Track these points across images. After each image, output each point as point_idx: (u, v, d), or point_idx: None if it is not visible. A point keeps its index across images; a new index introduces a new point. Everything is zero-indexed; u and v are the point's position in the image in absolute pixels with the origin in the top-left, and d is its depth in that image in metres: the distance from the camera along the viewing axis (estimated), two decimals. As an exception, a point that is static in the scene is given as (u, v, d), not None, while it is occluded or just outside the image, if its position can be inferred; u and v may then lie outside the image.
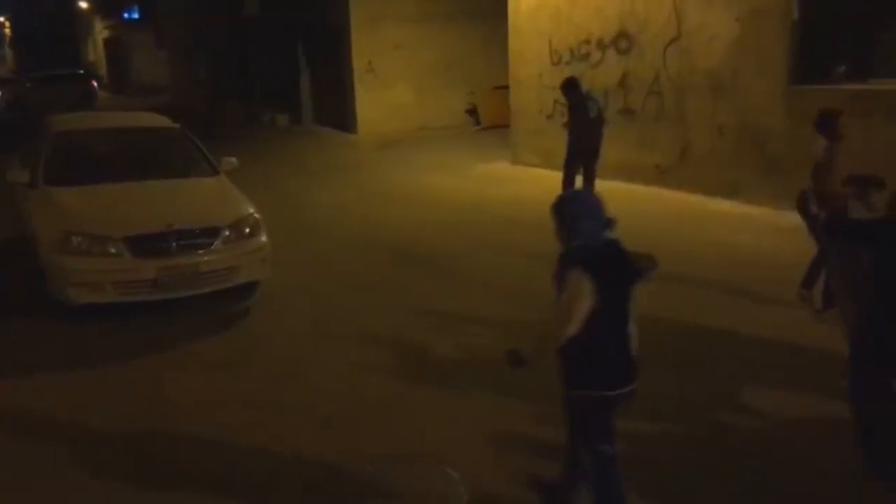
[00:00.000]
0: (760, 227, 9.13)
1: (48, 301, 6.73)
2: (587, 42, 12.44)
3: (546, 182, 11.20)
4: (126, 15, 42.36)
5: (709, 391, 5.22)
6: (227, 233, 6.86)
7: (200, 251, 6.71)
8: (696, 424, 4.84)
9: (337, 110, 20.65)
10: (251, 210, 7.23)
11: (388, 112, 19.48)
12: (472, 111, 20.43)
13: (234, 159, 8.25)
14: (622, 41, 11.82)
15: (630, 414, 3.71)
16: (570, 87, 10.26)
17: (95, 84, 31.68)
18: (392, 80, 19.63)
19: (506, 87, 19.47)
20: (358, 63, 19.47)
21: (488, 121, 19.91)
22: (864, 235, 4.32)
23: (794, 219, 6.78)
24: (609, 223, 3.42)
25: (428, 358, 6.02)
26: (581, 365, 3.43)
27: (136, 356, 6.16)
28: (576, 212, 3.41)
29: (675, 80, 11.08)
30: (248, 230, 7.04)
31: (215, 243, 6.77)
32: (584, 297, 3.27)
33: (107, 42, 48.09)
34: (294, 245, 8.99)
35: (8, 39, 66.81)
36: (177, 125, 8.48)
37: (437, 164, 14.77)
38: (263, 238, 7.14)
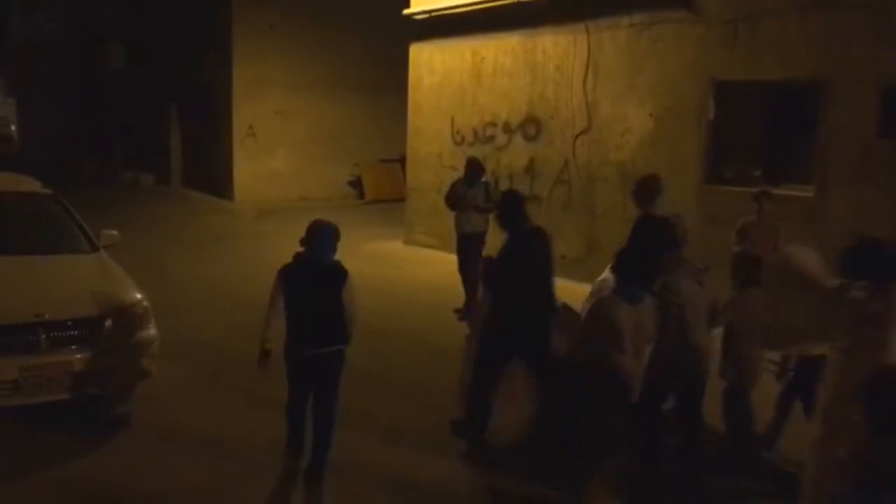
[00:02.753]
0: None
1: None
2: (493, 124, 12.12)
3: (443, 265, 10.63)
4: (-34, 56, 38.97)
5: None
6: (108, 323, 5.72)
7: (75, 346, 5.54)
8: None
9: (211, 174, 19.36)
10: (138, 296, 6.10)
11: (268, 180, 18.48)
12: (356, 183, 19.78)
13: (115, 232, 7.04)
14: (530, 126, 11.56)
15: None
16: (467, 166, 9.33)
17: (13, 128, 28.18)
18: (273, 147, 18.70)
19: (391, 161, 19.19)
20: (238, 126, 18.41)
21: (372, 194, 19.34)
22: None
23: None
24: (334, 248, 4.95)
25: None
26: (287, 334, 4.97)
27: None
28: (312, 232, 4.92)
29: (584, 171, 10.87)
30: (134, 321, 5.92)
31: (94, 336, 5.63)
32: (276, 292, 5.00)
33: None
34: (175, 330, 7.81)
35: None
36: (48, 190, 7.20)
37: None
38: (152, 330, 6.03)
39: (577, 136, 10.91)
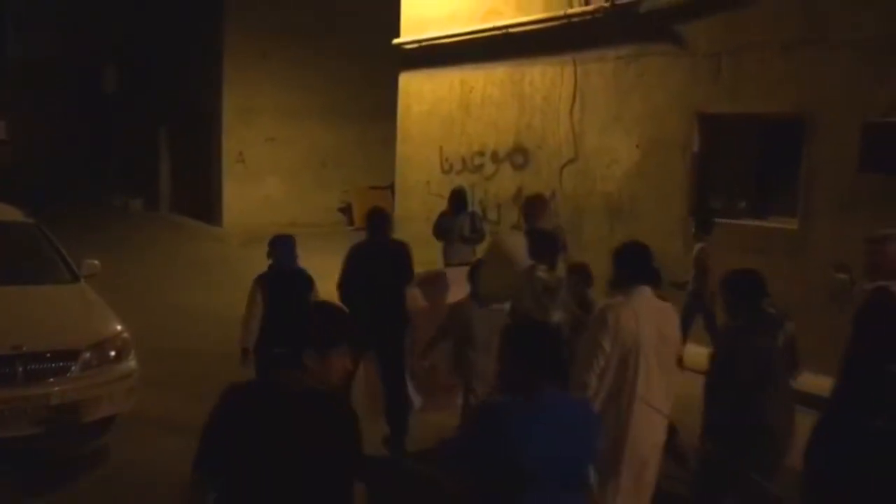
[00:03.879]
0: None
1: None
2: (481, 153, 12.16)
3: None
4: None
5: None
6: (87, 356, 5.69)
7: (53, 379, 5.50)
8: None
9: (200, 199, 19.35)
10: (119, 328, 6.09)
11: (257, 205, 18.44)
12: (346, 210, 19.79)
13: (96, 262, 7.03)
14: (518, 156, 11.60)
15: None
16: (451, 197, 9.54)
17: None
18: (263, 173, 18.71)
19: (381, 188, 19.17)
20: (228, 152, 18.43)
21: (362, 221, 19.25)
22: None
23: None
24: (294, 255, 6.02)
25: None
26: (260, 333, 5.74)
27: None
28: (274, 244, 5.98)
29: (571, 201, 10.88)
30: (113, 353, 5.89)
31: (73, 369, 5.59)
32: (253, 297, 5.86)
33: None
34: (159, 360, 7.76)
35: None
36: (29, 219, 7.17)
37: (316, 267, 13.49)
38: (132, 363, 6.01)
39: (563, 166, 10.95)
